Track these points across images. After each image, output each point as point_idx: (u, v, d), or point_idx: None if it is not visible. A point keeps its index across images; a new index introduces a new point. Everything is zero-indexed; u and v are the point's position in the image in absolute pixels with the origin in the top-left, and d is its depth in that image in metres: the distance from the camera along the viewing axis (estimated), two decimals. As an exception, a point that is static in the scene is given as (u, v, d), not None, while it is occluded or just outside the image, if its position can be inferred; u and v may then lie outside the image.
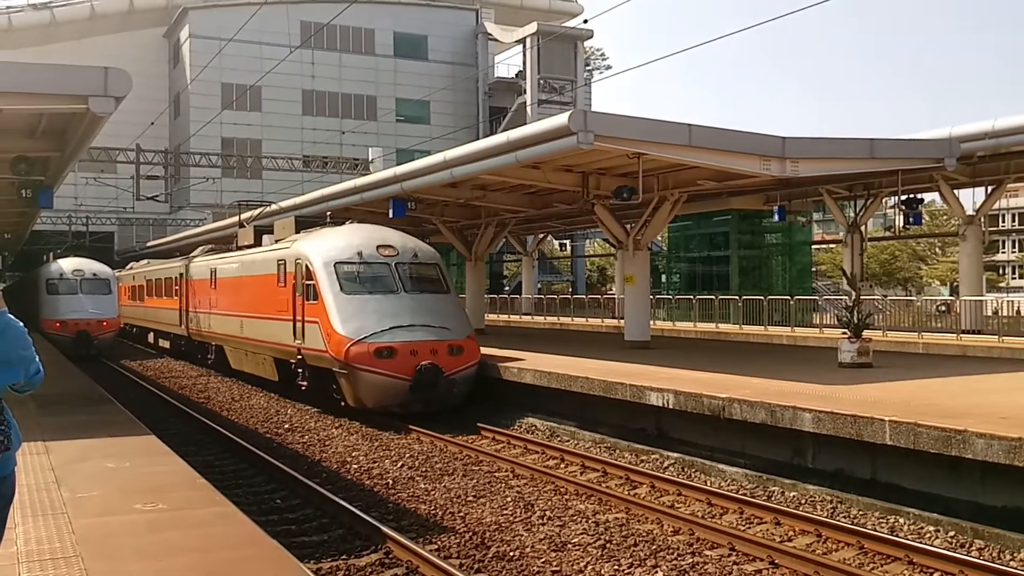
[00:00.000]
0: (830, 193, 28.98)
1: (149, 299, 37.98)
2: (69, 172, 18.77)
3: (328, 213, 25.16)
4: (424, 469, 13.85)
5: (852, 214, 30.13)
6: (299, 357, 19.72)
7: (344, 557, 9.52)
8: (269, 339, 21.51)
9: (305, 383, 19.92)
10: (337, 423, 18.46)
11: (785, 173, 18.89)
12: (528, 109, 60.09)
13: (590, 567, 8.99)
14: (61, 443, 11.08)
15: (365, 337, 17.53)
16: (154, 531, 7.34)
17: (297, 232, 22.11)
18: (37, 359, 4.64)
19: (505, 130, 30.01)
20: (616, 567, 8.97)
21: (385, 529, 10.03)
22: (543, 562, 9.21)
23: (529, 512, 11.12)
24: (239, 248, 26.08)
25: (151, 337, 39.17)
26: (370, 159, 53.07)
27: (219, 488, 9.52)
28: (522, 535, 10.19)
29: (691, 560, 9.09)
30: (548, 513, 11.04)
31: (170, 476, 9.50)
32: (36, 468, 9.67)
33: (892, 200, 31.29)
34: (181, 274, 31.60)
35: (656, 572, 8.76)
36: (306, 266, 19.17)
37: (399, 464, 14.25)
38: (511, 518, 10.90)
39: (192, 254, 32.35)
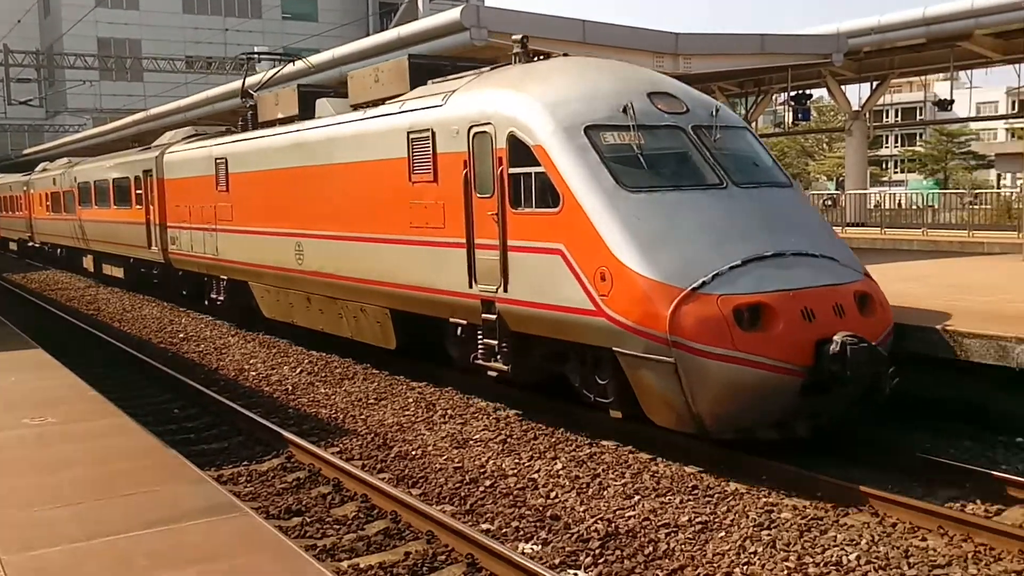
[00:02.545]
0: (722, 90, 29.27)
1: (86, 210, 27.64)
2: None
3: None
4: (324, 374, 13.80)
5: (743, 111, 30.55)
6: (490, 317, 10.33)
7: (246, 463, 9.49)
8: (385, 279, 12.29)
9: (504, 366, 10.41)
10: (233, 331, 18.15)
11: (679, 69, 18.93)
12: (420, 4, 58.50)
13: (491, 461, 9.17)
14: (-61, 360, 10.62)
15: (705, 283, 8.30)
16: (44, 445, 7.16)
17: (417, 81, 12.54)
18: None
19: (396, 26, 29.28)
20: (517, 460, 9.17)
21: (286, 434, 10.02)
22: (445, 459, 9.35)
23: (431, 412, 11.23)
24: (261, 125, 16.76)
25: (88, 262, 28.83)
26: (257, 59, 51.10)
27: (113, 401, 9.32)
28: (424, 434, 10.30)
29: (588, 451, 9.35)
30: (450, 412, 11.17)
31: (59, 389, 9.24)
32: (-87, 387, 9.27)
33: (782, 97, 31.84)
34: (148, 172, 21.69)
35: (556, 463, 8.99)
36: (513, 137, 9.84)
37: (298, 370, 14.16)
38: (413, 418, 11.00)
39: (163, 143, 22.42)
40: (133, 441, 7.47)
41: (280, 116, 15.95)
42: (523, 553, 6.86)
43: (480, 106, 10.49)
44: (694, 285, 8.26)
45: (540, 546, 7.09)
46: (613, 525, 7.39)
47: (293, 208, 14.68)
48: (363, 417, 11.21)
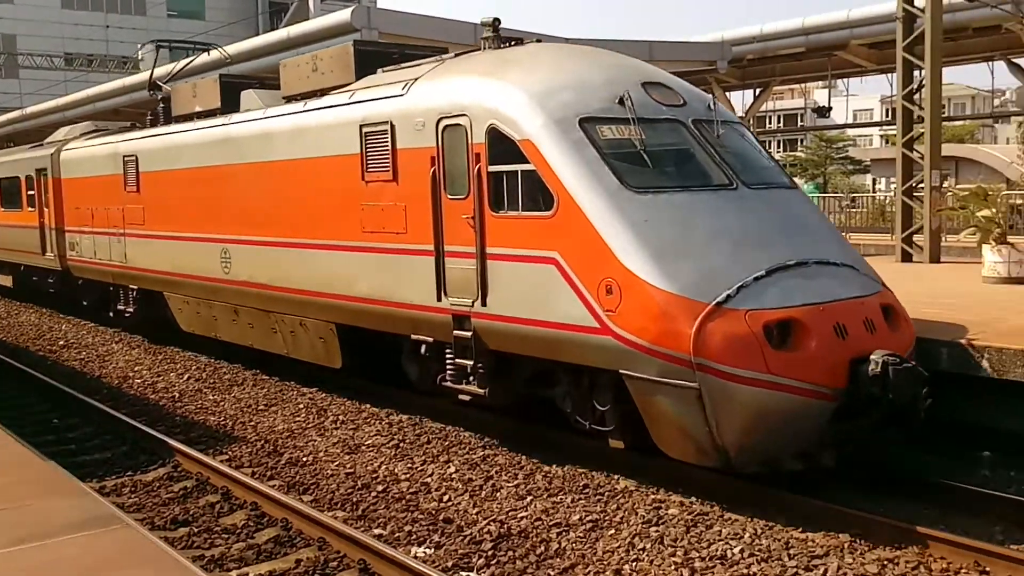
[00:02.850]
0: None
1: None
2: None
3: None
4: (212, 381, 13.48)
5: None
6: (463, 334, 9.14)
7: (130, 473, 9.22)
8: (331, 290, 11.00)
9: (479, 389, 9.28)
10: (118, 337, 17.57)
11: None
12: (310, 4, 57.76)
13: (384, 466, 9.12)
14: None
15: (730, 296, 7.39)
16: (-91, 461, 6.80)
17: (364, 70, 11.31)
18: None
19: (287, 26, 28.81)
20: (410, 465, 9.15)
21: (172, 442, 9.76)
22: (337, 465, 9.25)
23: (322, 417, 11.10)
24: (176, 119, 15.22)
25: None
26: (139, 57, 49.61)
27: (-16, 411, 8.92)
28: (316, 440, 10.17)
29: (482, 453, 9.39)
30: (342, 417, 11.06)
31: (-74, 402, 8.78)
32: None
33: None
34: (41, 171, 20.00)
35: (449, 466, 9.00)
36: (495, 130, 8.76)
37: (185, 377, 13.80)
38: (304, 424, 10.85)
39: (58, 140, 20.58)
40: (7, 453, 7.16)
41: (199, 109, 14.43)
42: (416, 557, 6.85)
43: (451, 96, 9.32)
44: (718, 299, 7.29)
45: (433, 549, 7.09)
46: (505, 526, 7.43)
47: (219, 211, 13.25)
48: (253, 424, 10.99)
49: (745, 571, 6.50)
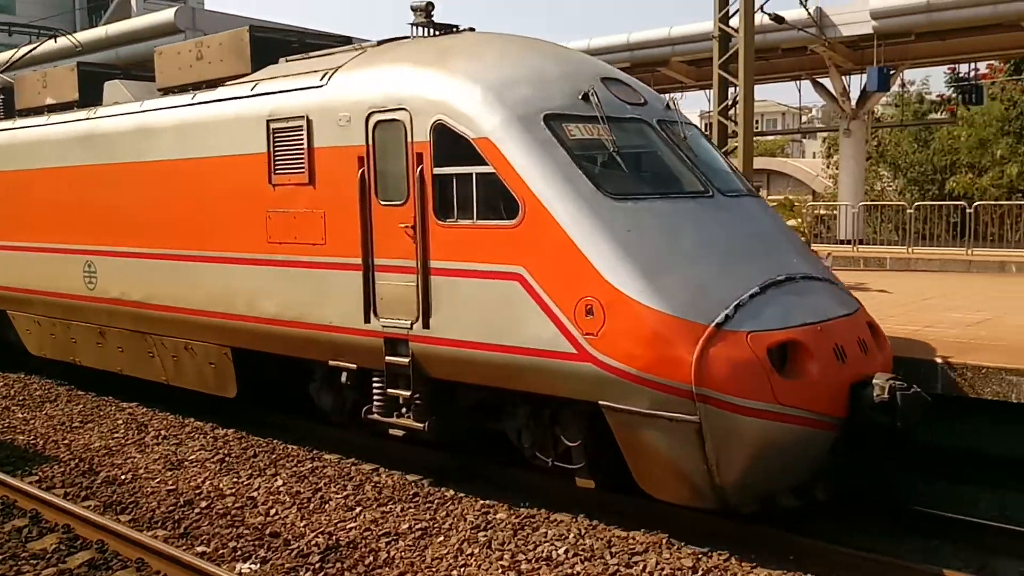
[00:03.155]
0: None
1: None
2: None
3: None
4: (22, 398, 12.72)
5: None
6: (399, 361, 8.20)
7: (-75, 500, 8.57)
8: (226, 309, 9.74)
9: (417, 424, 8.29)
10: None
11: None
12: (132, 2, 55.35)
13: (208, 482, 8.86)
14: None
15: (729, 317, 6.64)
16: None
17: (261, 60, 10.12)
18: None
19: (107, 23, 27.45)
20: (236, 479, 8.92)
21: (-26, 465, 9.15)
22: (158, 482, 8.92)
23: (143, 433, 10.66)
24: (21, 113, 13.37)
25: None
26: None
27: None
28: (135, 457, 9.76)
29: (310, 465, 9.26)
30: (163, 432, 10.66)
31: None
32: None
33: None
34: None
35: (276, 480, 8.83)
36: (443, 127, 7.81)
37: (-9, 393, 12.96)
38: (123, 441, 10.39)
39: None
40: None
41: (51, 102, 12.71)
42: (240, 573, 6.71)
43: (385, 87, 8.26)
44: (718, 320, 6.53)
45: (259, 565, 6.94)
46: (334, 538, 7.36)
47: (81, 217, 11.54)
48: (67, 442, 10.43)
49: (569, 571, 6.69)
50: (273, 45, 10.28)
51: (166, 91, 11.01)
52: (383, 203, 8.24)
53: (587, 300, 6.87)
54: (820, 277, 7.58)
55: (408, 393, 8.18)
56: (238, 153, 9.53)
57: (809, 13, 23.35)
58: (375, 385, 8.53)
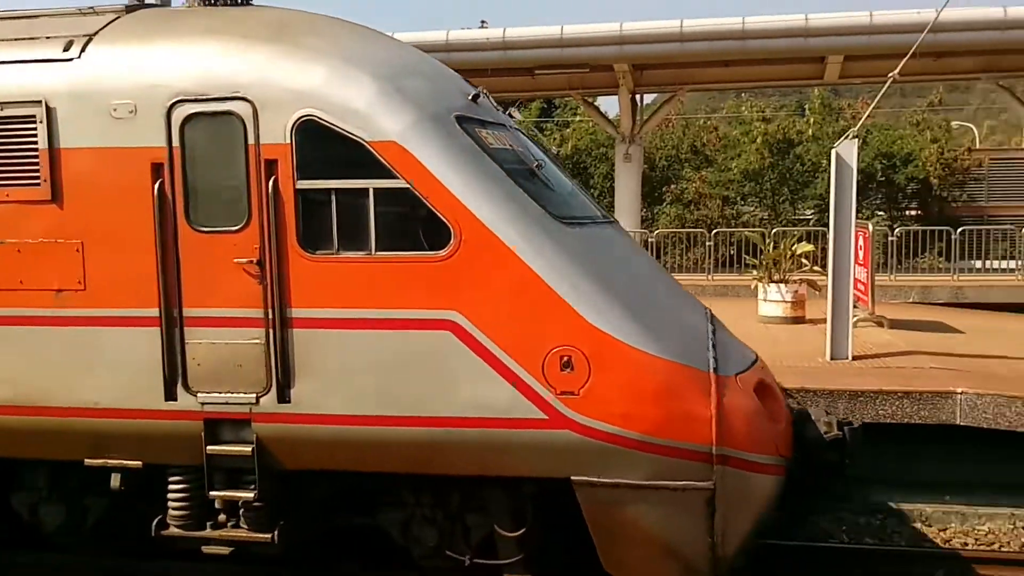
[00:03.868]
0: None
1: None
2: None
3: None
4: None
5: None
6: (237, 451, 6.21)
7: None
8: None
9: (261, 534, 6.35)
10: None
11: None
12: None
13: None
14: None
15: (716, 359, 5.84)
16: None
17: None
18: None
19: None
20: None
21: None
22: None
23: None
24: None
25: None
26: None
27: None
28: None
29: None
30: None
31: None
32: None
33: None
34: None
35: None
36: (316, 125, 5.95)
37: None
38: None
39: None
40: None
41: None
42: None
43: (200, 67, 6.15)
44: (712, 364, 5.69)
45: None
46: None
47: None
48: None
49: None
50: None
51: None
52: (198, 229, 6.13)
53: (563, 350, 5.64)
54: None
55: (250, 495, 6.18)
56: None
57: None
58: (174, 486, 6.46)
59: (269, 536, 6.24)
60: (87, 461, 6.45)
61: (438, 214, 5.75)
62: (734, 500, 5.60)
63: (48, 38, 6.52)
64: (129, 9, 6.97)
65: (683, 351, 5.71)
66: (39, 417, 6.31)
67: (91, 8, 6.95)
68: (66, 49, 6.37)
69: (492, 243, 5.70)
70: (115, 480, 6.46)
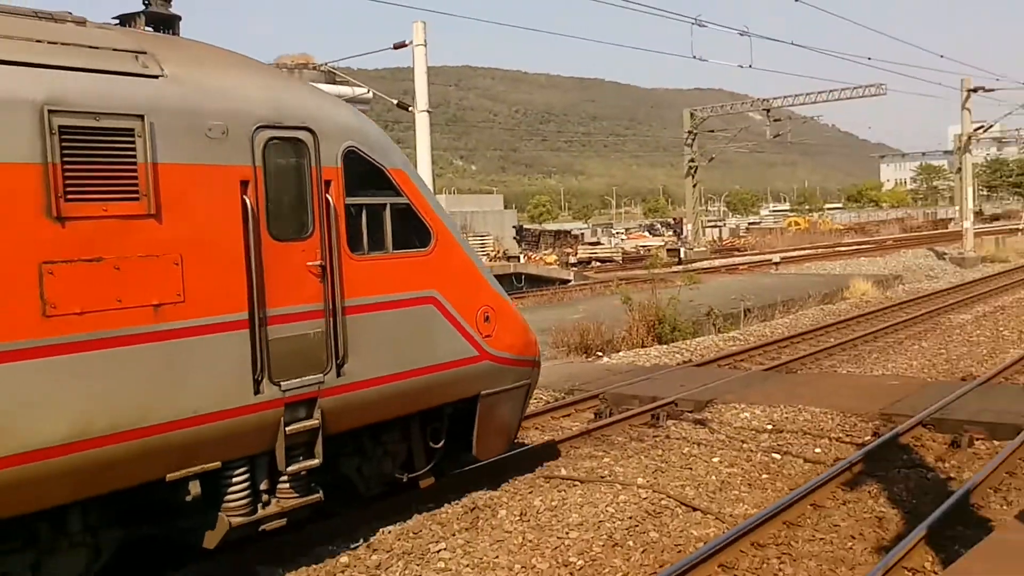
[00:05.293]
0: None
1: None
2: None
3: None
4: None
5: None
6: (303, 427, 7.26)
7: None
8: None
9: (311, 495, 7.59)
10: None
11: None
12: None
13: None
14: None
15: None
16: None
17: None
18: None
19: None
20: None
21: None
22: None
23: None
24: None
25: None
26: None
27: None
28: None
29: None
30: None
31: None
32: None
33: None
34: None
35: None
36: (356, 155, 7.77)
37: None
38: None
39: None
40: None
41: None
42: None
43: (275, 99, 7.18)
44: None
45: None
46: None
47: None
48: None
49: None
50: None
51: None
52: (276, 238, 7.01)
53: (484, 309, 8.77)
54: None
55: (317, 461, 7.26)
56: None
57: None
58: (237, 479, 6.93)
59: (320, 495, 7.45)
60: (168, 476, 6.44)
61: (425, 223, 8.32)
62: (532, 388, 9.50)
63: (125, 51, 6.49)
64: (122, 22, 7.32)
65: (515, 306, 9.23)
66: (136, 440, 6.15)
67: (100, 22, 6.95)
68: (145, 66, 6.47)
69: (451, 242, 8.54)
70: (195, 487, 6.63)
